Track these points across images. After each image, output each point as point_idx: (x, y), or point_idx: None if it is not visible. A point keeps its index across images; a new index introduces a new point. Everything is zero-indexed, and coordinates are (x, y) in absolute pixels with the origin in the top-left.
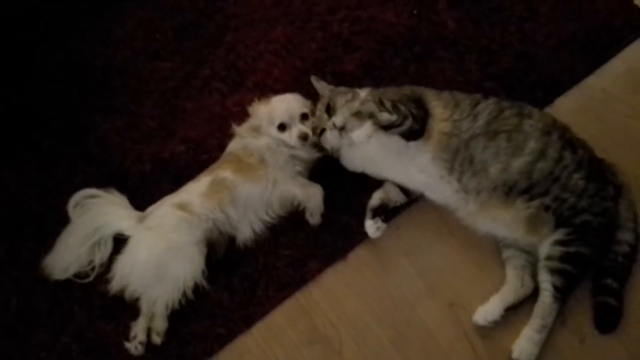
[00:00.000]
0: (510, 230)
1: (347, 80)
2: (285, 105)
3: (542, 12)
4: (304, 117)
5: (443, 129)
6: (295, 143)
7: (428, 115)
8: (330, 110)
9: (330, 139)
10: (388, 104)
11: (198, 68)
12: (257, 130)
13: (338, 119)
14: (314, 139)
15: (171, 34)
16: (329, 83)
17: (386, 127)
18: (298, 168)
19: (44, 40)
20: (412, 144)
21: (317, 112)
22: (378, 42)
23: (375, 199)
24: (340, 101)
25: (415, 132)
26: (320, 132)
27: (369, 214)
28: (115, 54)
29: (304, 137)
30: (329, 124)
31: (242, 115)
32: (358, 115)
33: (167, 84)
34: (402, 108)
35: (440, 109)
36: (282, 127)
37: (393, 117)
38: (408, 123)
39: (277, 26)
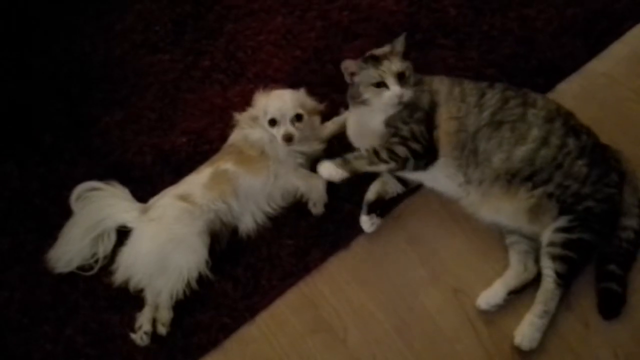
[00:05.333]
0: (513, 220)
1: None
2: (280, 102)
3: None
4: (297, 117)
5: (449, 129)
6: (280, 142)
7: (434, 128)
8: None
9: None
10: (384, 154)
11: (198, 59)
12: (255, 120)
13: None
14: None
15: (170, 26)
16: (329, 72)
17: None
18: (299, 160)
19: (44, 35)
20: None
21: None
22: (378, 30)
23: (372, 192)
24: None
25: (424, 165)
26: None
27: (364, 209)
28: (115, 47)
29: (288, 139)
30: None
31: (243, 106)
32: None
33: (167, 76)
34: (401, 150)
35: (448, 110)
36: (272, 122)
37: (392, 165)
38: (411, 164)
39: (277, 16)
